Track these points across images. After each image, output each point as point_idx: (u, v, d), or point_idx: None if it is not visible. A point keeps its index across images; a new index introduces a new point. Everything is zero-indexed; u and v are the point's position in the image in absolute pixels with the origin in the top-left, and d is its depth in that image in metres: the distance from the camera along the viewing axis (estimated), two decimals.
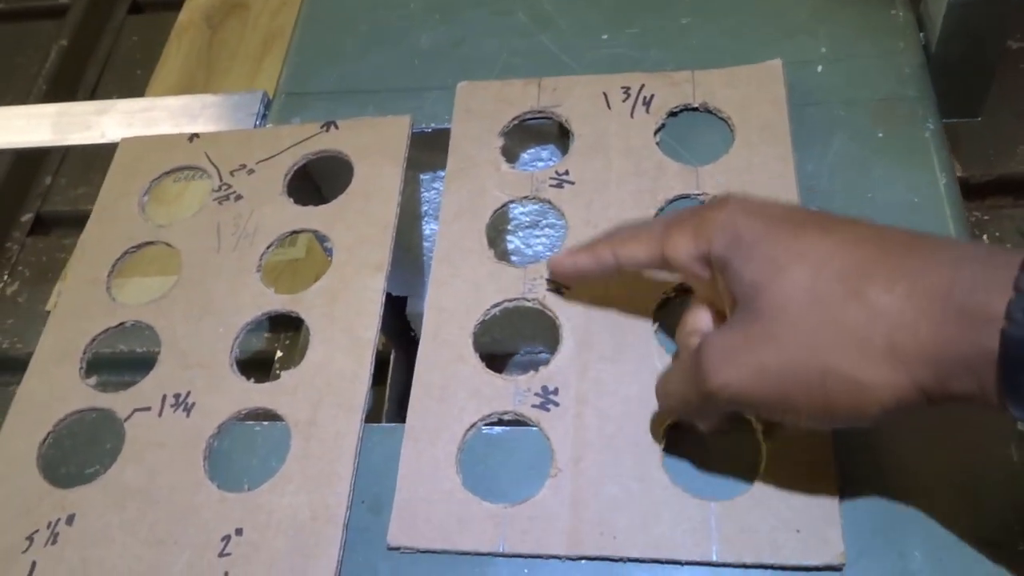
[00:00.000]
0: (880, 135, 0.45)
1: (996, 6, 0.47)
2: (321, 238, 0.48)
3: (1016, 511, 0.34)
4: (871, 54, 0.48)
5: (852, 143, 0.45)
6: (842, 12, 0.51)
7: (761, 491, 0.36)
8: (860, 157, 0.45)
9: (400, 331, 0.75)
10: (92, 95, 1.10)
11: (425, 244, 0.63)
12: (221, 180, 0.50)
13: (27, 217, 0.96)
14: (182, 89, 1.05)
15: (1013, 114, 0.81)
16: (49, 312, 0.80)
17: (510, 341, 0.75)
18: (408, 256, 0.65)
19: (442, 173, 0.52)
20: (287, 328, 0.73)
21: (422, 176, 0.59)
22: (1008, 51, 0.83)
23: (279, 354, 0.72)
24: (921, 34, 0.49)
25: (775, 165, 0.44)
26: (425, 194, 0.60)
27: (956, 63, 0.49)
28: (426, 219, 0.62)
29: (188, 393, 0.43)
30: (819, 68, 0.48)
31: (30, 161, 0.97)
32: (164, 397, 0.43)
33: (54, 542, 0.39)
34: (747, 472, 0.36)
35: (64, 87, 1.09)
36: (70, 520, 0.40)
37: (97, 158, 1.02)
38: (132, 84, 1.11)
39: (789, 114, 0.46)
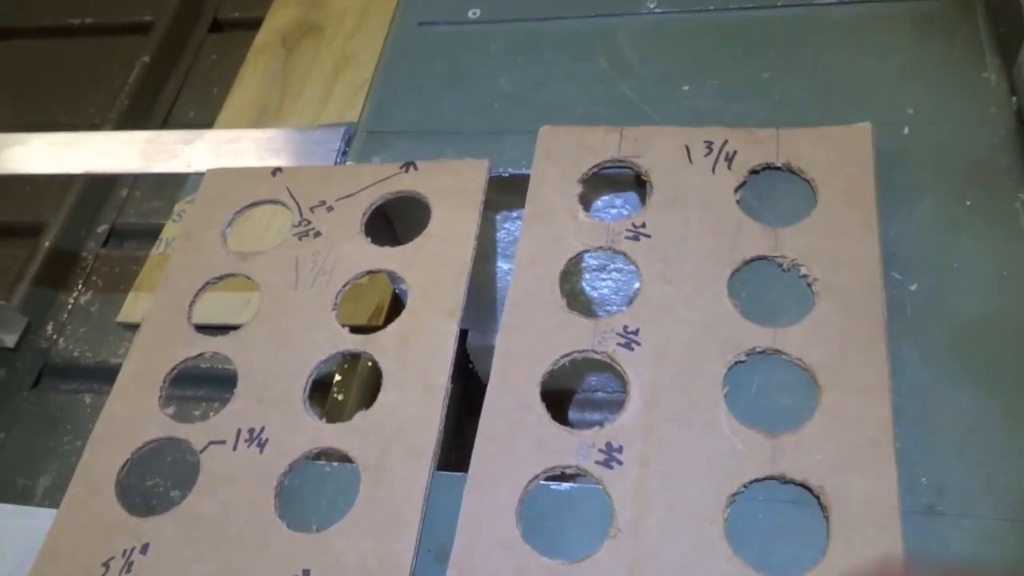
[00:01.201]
0: (968, 203, 0.44)
1: None
2: (396, 280, 0.48)
3: None
4: (960, 118, 0.48)
5: (938, 210, 0.44)
6: (931, 73, 0.50)
7: (826, 569, 0.35)
8: (946, 225, 0.44)
9: (458, 363, 0.76)
10: (170, 110, 1.14)
11: (496, 282, 0.64)
12: (301, 216, 0.51)
13: (102, 228, 1.00)
14: (256, 108, 1.08)
15: None
16: (120, 323, 0.82)
17: (571, 377, 0.76)
18: (477, 291, 0.65)
19: (515, 213, 0.52)
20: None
21: (496, 216, 0.59)
22: None
23: (337, 377, 0.73)
24: (1014, 99, 0.48)
25: (858, 231, 0.44)
26: (498, 233, 0.60)
27: None
28: (498, 258, 0.62)
29: (262, 429, 0.44)
30: (905, 130, 0.48)
31: (107, 174, 1.00)
32: (239, 431, 0.44)
33: (128, 571, 0.40)
34: (812, 548, 0.36)
35: (144, 101, 1.13)
36: (144, 549, 0.41)
37: (171, 174, 1.06)
38: (209, 101, 1.14)
39: (876, 176, 0.45)
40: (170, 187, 1.06)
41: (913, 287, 0.42)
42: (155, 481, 0.44)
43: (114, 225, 0.99)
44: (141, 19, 1.25)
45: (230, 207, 0.53)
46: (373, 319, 0.76)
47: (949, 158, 0.46)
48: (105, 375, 0.79)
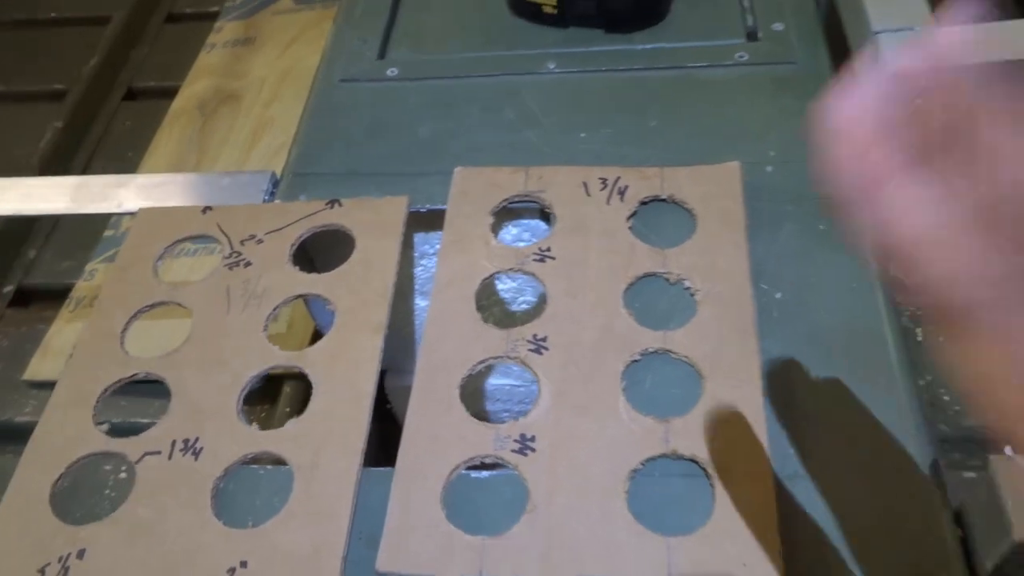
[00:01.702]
0: (821, 227, 0.52)
1: None
2: (323, 302, 0.52)
3: (935, 543, 0.39)
4: (813, 159, 0.56)
5: (798, 233, 0.52)
6: (788, 123, 0.58)
7: (712, 530, 0.40)
8: (804, 246, 0.51)
9: (376, 405, 0.79)
10: (83, 173, 1.14)
11: (415, 319, 0.68)
12: (232, 248, 0.55)
13: (8, 289, 0.99)
14: (173, 171, 1.10)
15: None
16: (25, 381, 0.82)
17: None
18: (395, 329, 0.69)
19: (432, 249, 0.57)
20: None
21: (415, 255, 0.64)
22: None
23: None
24: None
25: (731, 250, 0.51)
26: (415, 269, 0.65)
27: None
28: (416, 295, 0.67)
29: (197, 439, 0.46)
30: (769, 168, 0.56)
31: (16, 234, 1.00)
32: (174, 442, 0.46)
33: (65, 574, 0.42)
34: (700, 514, 0.41)
35: (56, 165, 1.14)
36: (80, 555, 0.42)
37: (86, 234, 1.06)
38: (123, 165, 1.16)
39: (745, 204, 0.52)
40: (81, 248, 1.07)
41: (778, 295, 0.49)
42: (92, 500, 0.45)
43: (21, 285, 0.99)
44: (53, 88, 1.26)
45: (161, 242, 0.56)
46: (275, 329, 0.78)
47: (805, 191, 0.54)
48: (10, 434, 0.78)
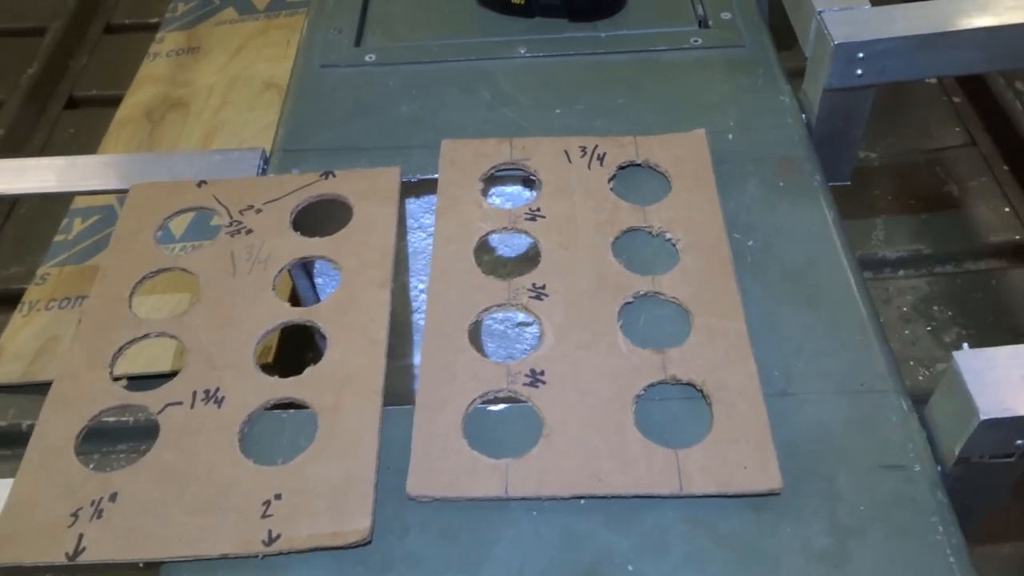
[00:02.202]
0: (781, 184, 0.58)
1: (856, 94, 0.61)
2: (328, 263, 0.55)
3: (905, 441, 0.44)
4: (768, 127, 0.62)
5: (761, 189, 0.57)
6: (743, 97, 0.64)
7: (713, 440, 0.44)
8: (768, 199, 0.57)
9: None
10: None
11: (410, 302, 0.71)
12: (232, 218, 0.57)
13: None
14: None
15: (863, 209, 0.99)
16: None
17: None
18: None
19: (415, 224, 0.61)
20: None
21: (406, 233, 0.67)
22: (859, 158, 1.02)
23: None
24: (803, 114, 0.63)
25: (705, 205, 0.56)
26: (408, 248, 0.68)
27: (828, 137, 0.63)
28: (410, 275, 0.69)
29: (217, 389, 0.48)
30: (730, 136, 0.61)
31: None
32: (195, 393, 0.48)
33: (99, 516, 0.43)
34: (701, 430, 0.45)
35: None
36: (113, 498, 0.44)
37: (34, 239, 1.05)
38: None
39: (712, 168, 0.58)
40: (30, 252, 1.05)
41: (750, 243, 0.54)
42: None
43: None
44: None
45: (159, 213, 0.58)
46: (261, 359, 0.80)
47: (764, 155, 0.60)
48: None
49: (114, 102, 1.23)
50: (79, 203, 1.09)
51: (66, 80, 1.30)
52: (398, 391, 0.50)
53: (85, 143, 1.18)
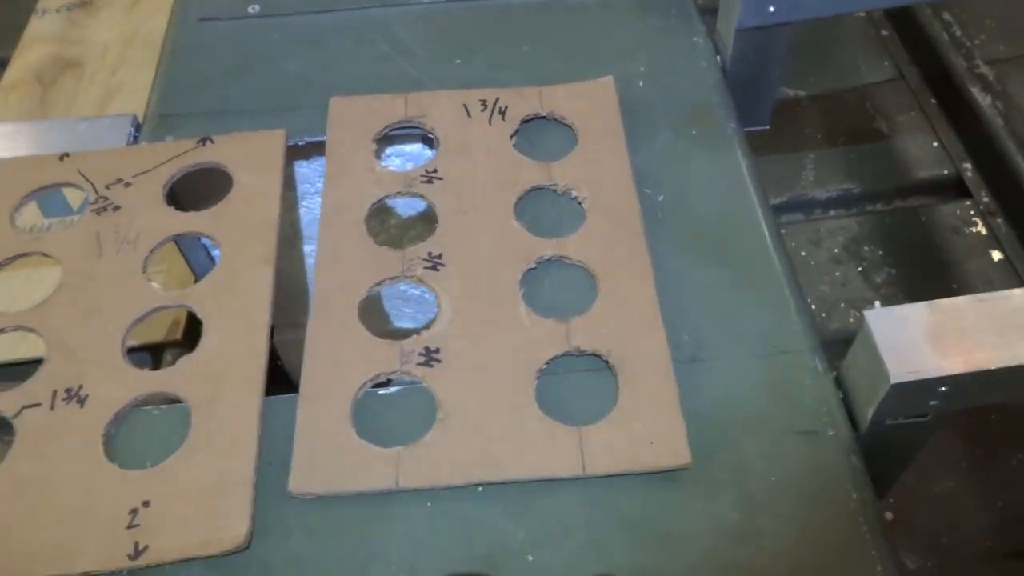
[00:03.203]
0: (694, 133, 0.54)
1: (771, 34, 0.58)
2: (205, 240, 0.50)
3: (819, 404, 0.42)
4: (681, 72, 0.58)
5: (673, 139, 0.54)
6: (655, 40, 0.60)
7: (619, 415, 0.42)
8: (680, 150, 0.53)
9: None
10: None
11: (305, 269, 0.66)
12: (97, 194, 0.52)
13: None
14: None
15: (792, 149, 0.97)
16: None
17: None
18: (284, 281, 0.67)
19: (311, 190, 0.56)
20: None
21: (296, 196, 0.62)
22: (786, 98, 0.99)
23: None
24: (718, 57, 0.60)
25: (613, 159, 0.52)
26: (300, 212, 0.63)
27: (744, 79, 0.60)
28: (305, 242, 0.65)
29: (80, 387, 0.44)
30: (640, 83, 0.57)
31: None
32: (55, 392, 0.43)
33: None
34: (607, 404, 0.42)
35: None
36: None
37: None
38: None
39: (621, 118, 0.54)
40: None
41: (660, 198, 0.51)
42: None
43: None
44: None
45: (16, 193, 0.52)
46: (171, 334, 0.75)
47: (676, 102, 0.56)
48: None
49: (2, 64, 1.14)
50: None
51: None
52: (294, 369, 0.47)
53: None
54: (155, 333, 0.72)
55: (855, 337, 0.41)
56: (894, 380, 0.37)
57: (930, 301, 0.39)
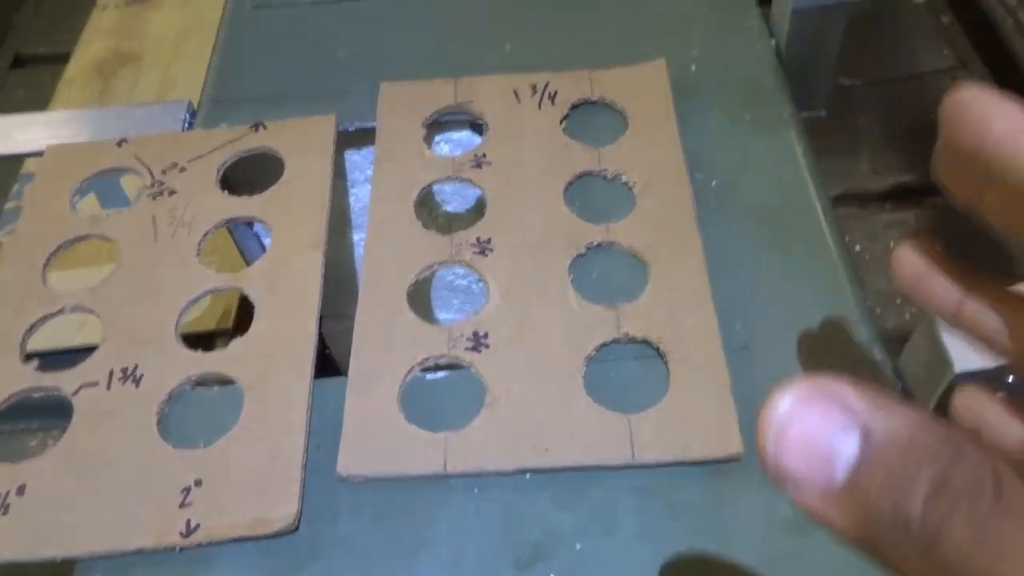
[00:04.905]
0: (747, 117, 0.53)
1: (827, 16, 0.56)
2: (257, 224, 0.51)
3: None
4: (734, 55, 0.57)
5: (726, 123, 0.53)
6: (708, 22, 0.59)
7: (669, 403, 0.41)
8: (733, 134, 0.52)
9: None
10: None
11: (354, 258, 0.67)
12: (153, 178, 0.52)
13: None
14: None
15: (847, 139, 0.94)
16: None
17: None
18: (333, 269, 0.68)
19: (361, 178, 0.56)
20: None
21: (347, 184, 0.62)
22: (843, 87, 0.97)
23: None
24: (772, 40, 0.58)
25: (664, 145, 0.51)
26: (349, 199, 0.64)
27: (800, 64, 0.58)
28: (353, 230, 0.65)
29: (136, 367, 0.44)
30: (693, 66, 0.56)
31: None
32: (111, 372, 0.44)
33: (4, 513, 0.40)
34: (657, 392, 0.41)
35: None
36: (20, 491, 0.40)
37: None
38: None
39: (673, 102, 0.53)
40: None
41: (713, 183, 0.50)
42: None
43: None
44: None
45: (76, 176, 0.53)
46: (222, 323, 0.76)
47: (729, 85, 0.55)
48: None
49: (63, 59, 1.17)
50: (31, 167, 1.04)
51: (11, 37, 1.23)
52: (343, 359, 0.47)
53: (35, 103, 1.13)
54: (207, 322, 0.73)
55: (913, 332, 0.40)
56: (958, 369, 0.35)
57: None
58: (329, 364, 0.79)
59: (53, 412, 0.44)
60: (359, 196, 0.63)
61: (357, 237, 0.67)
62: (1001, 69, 0.96)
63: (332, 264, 0.65)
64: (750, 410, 0.40)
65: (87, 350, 0.46)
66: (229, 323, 0.74)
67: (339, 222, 0.65)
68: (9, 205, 1.02)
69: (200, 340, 0.64)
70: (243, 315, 0.75)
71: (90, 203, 0.71)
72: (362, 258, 0.48)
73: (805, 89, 0.59)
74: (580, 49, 0.58)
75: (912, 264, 0.24)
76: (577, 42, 0.59)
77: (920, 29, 1.03)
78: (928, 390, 0.38)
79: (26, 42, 1.21)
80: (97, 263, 0.70)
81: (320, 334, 0.77)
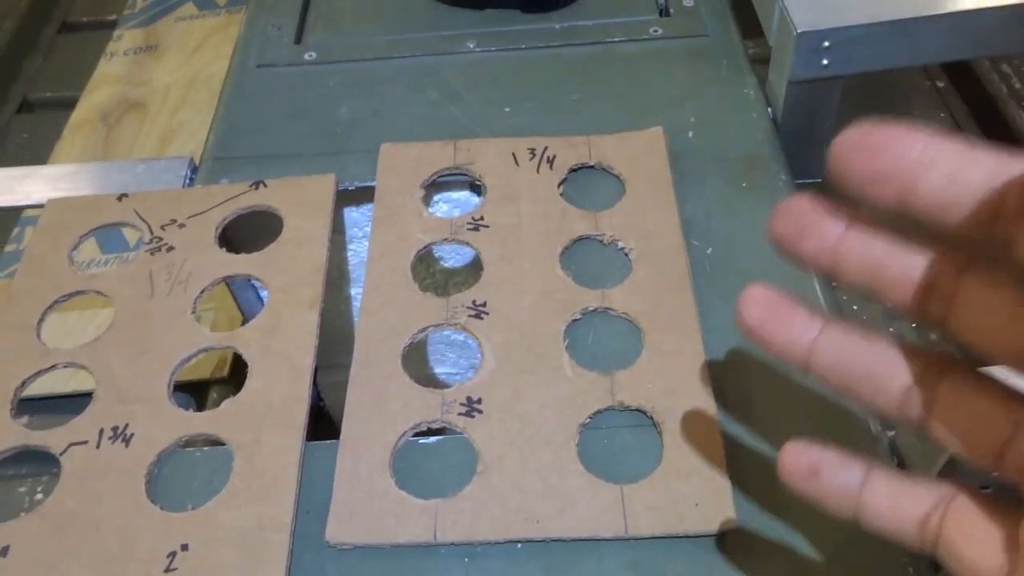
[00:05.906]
0: (744, 185, 0.54)
1: (823, 86, 0.57)
2: (253, 282, 0.51)
3: None
4: (731, 123, 0.58)
5: (722, 191, 0.53)
6: (705, 91, 0.60)
7: (663, 474, 0.41)
8: (730, 201, 0.53)
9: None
10: None
11: (351, 311, 0.67)
12: (152, 234, 0.53)
13: None
14: None
15: (847, 199, 0.94)
16: None
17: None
18: (329, 321, 0.68)
19: (359, 234, 0.57)
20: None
21: (345, 239, 0.63)
22: None
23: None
24: (769, 108, 0.59)
25: (661, 211, 0.52)
26: (347, 254, 0.64)
27: (796, 131, 0.59)
28: (352, 284, 0.65)
29: (126, 425, 0.44)
30: (690, 134, 0.57)
31: None
32: (101, 431, 0.44)
33: None
34: (650, 462, 0.41)
35: None
36: (4, 552, 0.40)
37: None
38: None
39: (670, 168, 0.53)
40: None
41: (709, 250, 0.50)
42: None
43: None
44: None
45: (76, 231, 0.53)
46: (216, 372, 0.76)
47: (726, 153, 0.56)
48: None
49: (70, 104, 1.18)
50: (32, 211, 1.04)
51: (20, 82, 1.25)
52: (338, 411, 0.46)
53: (39, 148, 1.14)
54: (201, 371, 0.73)
55: None
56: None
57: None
58: (323, 417, 0.79)
59: (43, 460, 0.44)
60: (357, 252, 0.64)
61: (355, 291, 0.67)
62: (996, 134, 0.97)
63: (328, 316, 0.65)
64: (745, 482, 0.40)
65: (80, 396, 0.45)
66: (224, 372, 0.73)
67: (336, 277, 0.65)
68: (9, 248, 1.02)
69: (194, 388, 0.64)
70: (238, 364, 0.75)
71: (90, 246, 0.71)
72: (357, 320, 0.48)
73: (801, 156, 0.60)
74: (578, 116, 0.59)
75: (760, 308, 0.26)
76: (575, 109, 0.60)
77: (915, 92, 1.04)
78: (926, 463, 0.38)
79: (34, 87, 1.23)
80: (92, 307, 0.70)
81: (316, 387, 0.77)
